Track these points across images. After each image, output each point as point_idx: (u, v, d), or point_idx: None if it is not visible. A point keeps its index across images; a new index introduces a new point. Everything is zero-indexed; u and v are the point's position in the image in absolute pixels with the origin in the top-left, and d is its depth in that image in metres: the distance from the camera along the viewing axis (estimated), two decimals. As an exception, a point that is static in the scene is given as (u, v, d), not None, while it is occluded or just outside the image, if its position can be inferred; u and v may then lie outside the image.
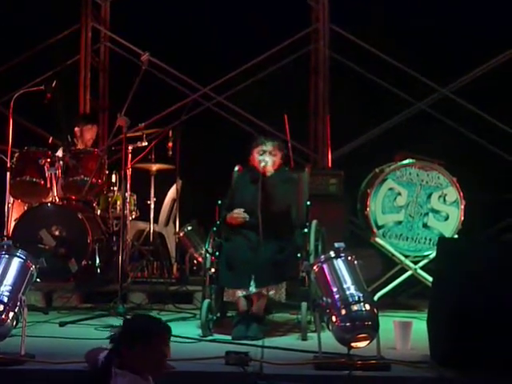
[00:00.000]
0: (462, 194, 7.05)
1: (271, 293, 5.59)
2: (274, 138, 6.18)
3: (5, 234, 6.96)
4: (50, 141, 7.55)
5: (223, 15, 8.55)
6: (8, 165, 6.97)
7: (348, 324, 4.57)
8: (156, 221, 7.81)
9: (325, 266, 4.81)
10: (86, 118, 8.07)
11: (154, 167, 7.65)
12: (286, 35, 8.69)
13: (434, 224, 7.05)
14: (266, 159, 5.81)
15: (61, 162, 7.08)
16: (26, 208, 7.17)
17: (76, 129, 7.66)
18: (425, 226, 7.05)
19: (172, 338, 3.65)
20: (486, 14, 8.25)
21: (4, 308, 4.55)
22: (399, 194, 7.07)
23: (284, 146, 6.09)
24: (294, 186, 5.98)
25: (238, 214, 5.76)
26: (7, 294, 4.61)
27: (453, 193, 7.06)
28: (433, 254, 6.88)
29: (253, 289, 5.53)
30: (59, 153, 7.28)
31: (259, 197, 5.65)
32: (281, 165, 5.96)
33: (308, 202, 6.05)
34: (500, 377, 4.38)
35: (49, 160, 7.06)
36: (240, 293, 5.58)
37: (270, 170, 5.82)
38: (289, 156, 6.54)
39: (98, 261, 7.04)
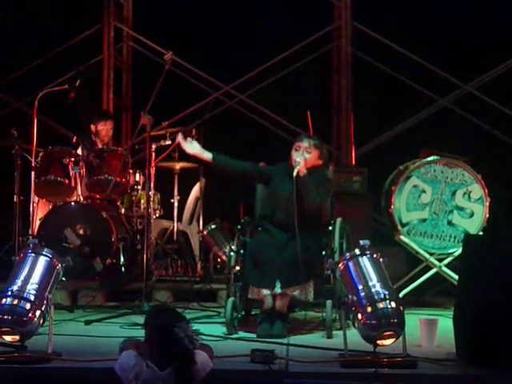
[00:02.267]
0: (486, 191, 7.01)
1: (295, 293, 5.58)
2: (315, 137, 6.10)
3: (30, 233, 7.00)
4: (73, 140, 7.58)
5: (246, 13, 8.55)
6: (33, 164, 7.01)
7: (374, 322, 4.55)
8: (180, 219, 7.84)
9: (350, 264, 4.80)
10: (100, 114, 8.03)
11: (178, 166, 7.68)
12: (308, 33, 8.69)
13: (459, 221, 7.01)
14: (299, 160, 5.74)
15: (85, 161, 7.11)
16: (50, 207, 7.20)
17: (92, 126, 7.67)
18: (449, 223, 7.01)
19: (198, 337, 3.71)
20: (509, 9, 8.19)
21: (31, 306, 4.57)
22: (424, 191, 7.03)
23: (324, 146, 6.03)
24: (327, 188, 5.91)
25: None
26: (34, 292, 4.62)
27: (477, 190, 7.02)
28: (457, 251, 6.85)
29: (278, 289, 5.52)
30: (79, 151, 7.31)
31: (294, 197, 5.63)
32: (318, 164, 5.89)
33: (332, 200, 6.03)
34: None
35: (73, 159, 7.08)
36: (265, 291, 5.57)
37: (302, 170, 5.72)
38: (329, 156, 6.43)
39: (122, 259, 7.06)
